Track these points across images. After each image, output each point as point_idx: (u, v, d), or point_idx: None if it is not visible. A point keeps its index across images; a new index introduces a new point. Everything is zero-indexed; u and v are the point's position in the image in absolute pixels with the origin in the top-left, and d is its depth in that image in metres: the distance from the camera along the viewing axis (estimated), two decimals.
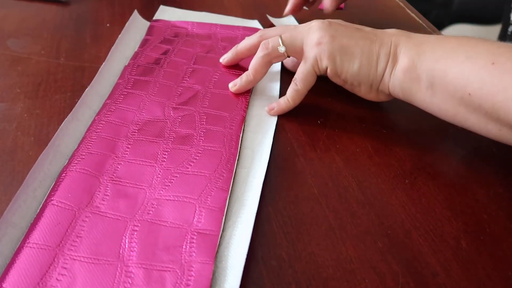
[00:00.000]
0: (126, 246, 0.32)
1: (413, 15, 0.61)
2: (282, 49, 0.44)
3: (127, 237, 0.32)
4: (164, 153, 0.39)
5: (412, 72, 0.39)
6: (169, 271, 0.31)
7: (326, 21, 0.44)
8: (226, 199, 0.35)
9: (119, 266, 0.31)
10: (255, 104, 0.46)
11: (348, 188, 0.38)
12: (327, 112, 0.45)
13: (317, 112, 0.46)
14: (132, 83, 0.47)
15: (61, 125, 0.40)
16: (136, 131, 0.41)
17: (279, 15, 0.61)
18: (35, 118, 0.44)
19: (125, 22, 0.58)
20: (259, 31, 0.48)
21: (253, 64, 0.46)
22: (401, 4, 0.63)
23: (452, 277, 0.32)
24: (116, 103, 0.44)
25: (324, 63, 0.42)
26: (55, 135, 0.40)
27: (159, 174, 0.37)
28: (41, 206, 0.34)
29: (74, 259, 0.31)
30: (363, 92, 0.44)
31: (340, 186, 0.38)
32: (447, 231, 0.35)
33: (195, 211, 0.34)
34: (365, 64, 0.41)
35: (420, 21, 0.59)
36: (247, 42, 0.48)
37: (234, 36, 0.56)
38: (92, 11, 0.61)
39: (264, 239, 0.34)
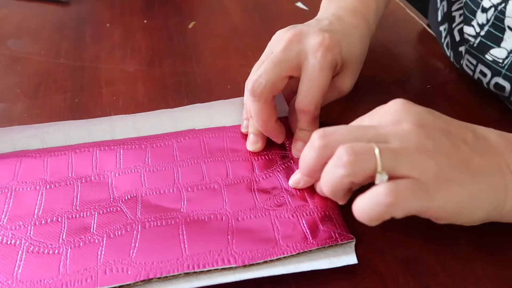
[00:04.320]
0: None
1: (413, 15, 0.61)
2: (384, 178, 0.27)
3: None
4: None
5: None
6: None
7: (432, 136, 0.28)
8: None
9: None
10: None
11: None
12: (327, 112, 0.45)
13: None
14: None
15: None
16: None
17: (279, 14, 0.60)
18: (35, 118, 0.44)
19: (125, 22, 0.58)
20: (318, 132, 0.30)
21: (330, 183, 0.29)
22: (401, 4, 0.63)
23: (452, 277, 0.32)
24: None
25: (426, 215, 0.29)
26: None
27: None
28: None
29: None
30: None
31: None
32: (447, 231, 0.35)
33: None
34: (491, 211, 0.30)
35: (420, 21, 0.59)
36: (308, 161, 0.30)
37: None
38: (92, 11, 0.61)
39: None
